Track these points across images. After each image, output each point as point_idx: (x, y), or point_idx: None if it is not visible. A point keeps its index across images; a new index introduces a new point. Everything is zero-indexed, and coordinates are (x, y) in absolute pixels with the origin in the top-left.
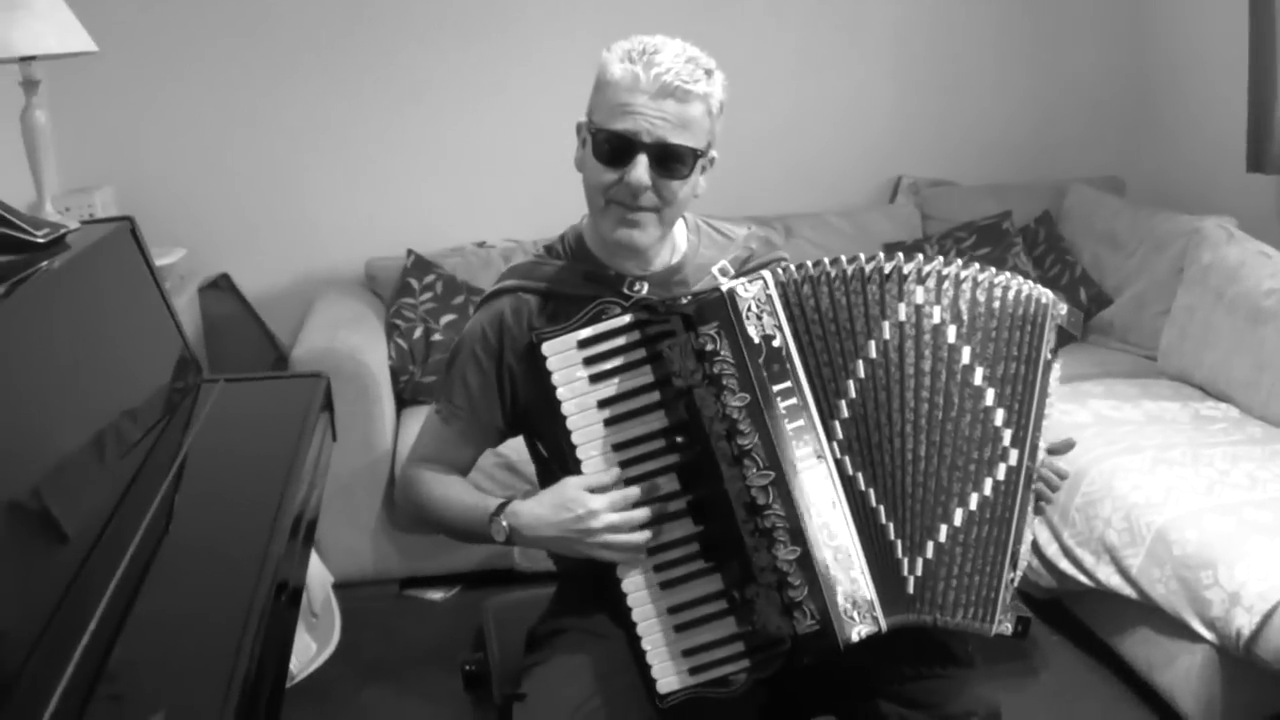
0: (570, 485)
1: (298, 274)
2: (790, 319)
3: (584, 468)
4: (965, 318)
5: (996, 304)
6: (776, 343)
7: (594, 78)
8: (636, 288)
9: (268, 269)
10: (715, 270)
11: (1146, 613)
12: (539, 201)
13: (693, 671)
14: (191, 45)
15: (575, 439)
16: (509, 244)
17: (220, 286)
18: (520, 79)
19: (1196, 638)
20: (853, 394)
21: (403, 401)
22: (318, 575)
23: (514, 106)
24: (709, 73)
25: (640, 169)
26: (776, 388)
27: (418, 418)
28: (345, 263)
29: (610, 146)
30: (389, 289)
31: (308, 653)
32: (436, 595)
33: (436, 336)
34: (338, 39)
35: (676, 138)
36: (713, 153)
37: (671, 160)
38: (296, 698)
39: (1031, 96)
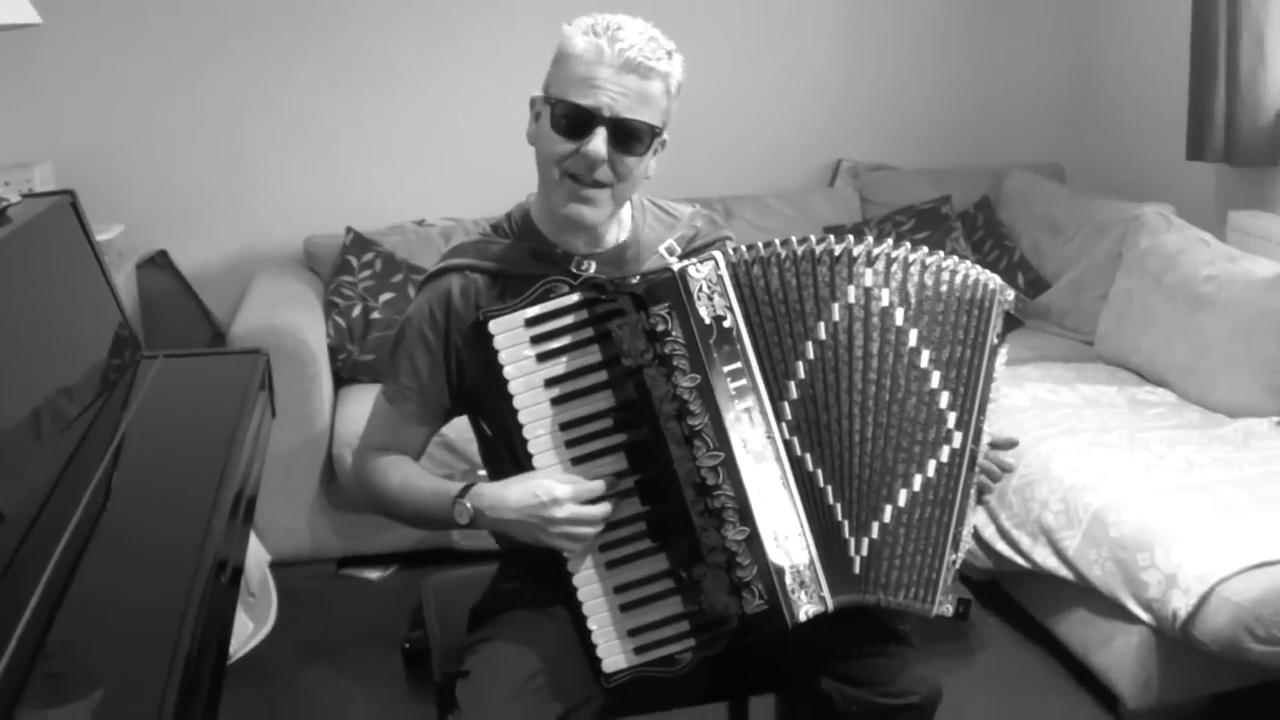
0: (538, 474)
1: (236, 251)
2: (741, 300)
3: (530, 447)
4: (913, 300)
5: (944, 287)
6: (727, 323)
7: (540, 54)
8: (584, 266)
9: (205, 246)
10: (662, 249)
11: (1083, 594)
12: (478, 180)
13: (638, 651)
14: (131, 21)
15: (522, 418)
16: (448, 222)
17: (158, 263)
18: (459, 57)
19: (1133, 619)
20: (802, 375)
21: (341, 380)
22: (254, 554)
23: (453, 84)
24: (670, 53)
25: (598, 141)
26: (727, 368)
27: (356, 396)
28: (283, 240)
29: (569, 119)
30: (327, 267)
31: (244, 632)
32: (374, 574)
33: (375, 315)
34: (277, 16)
35: (635, 114)
36: (665, 134)
37: (629, 136)
38: (234, 677)
39: (972, 81)
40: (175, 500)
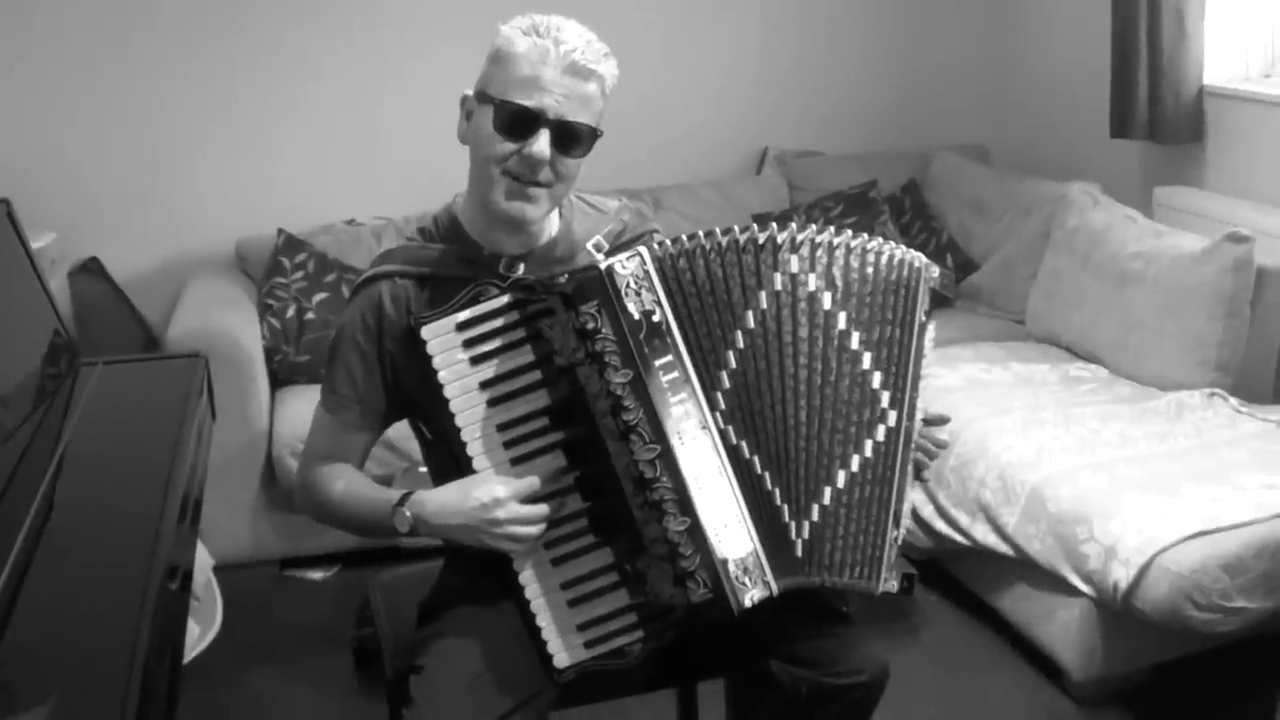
0: (476, 477)
1: (167, 256)
2: (669, 293)
3: (469, 450)
4: (840, 284)
5: (870, 269)
6: (656, 318)
7: (466, 51)
8: (514, 268)
9: (137, 251)
10: (590, 246)
11: (1023, 569)
12: (407, 179)
13: (588, 645)
14: (58, 25)
15: (459, 421)
16: (378, 221)
17: (89, 270)
18: (385, 56)
19: (1074, 592)
20: (733, 364)
21: (277, 381)
22: (198, 557)
23: (380, 83)
24: (606, 54)
25: (542, 142)
26: (658, 362)
27: (293, 397)
28: (215, 243)
29: (513, 120)
30: (260, 269)
31: (191, 636)
32: (317, 575)
33: (309, 315)
34: (205, 19)
35: (577, 116)
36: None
37: (571, 138)
38: (182, 682)
39: (895, 66)
40: (123, 507)
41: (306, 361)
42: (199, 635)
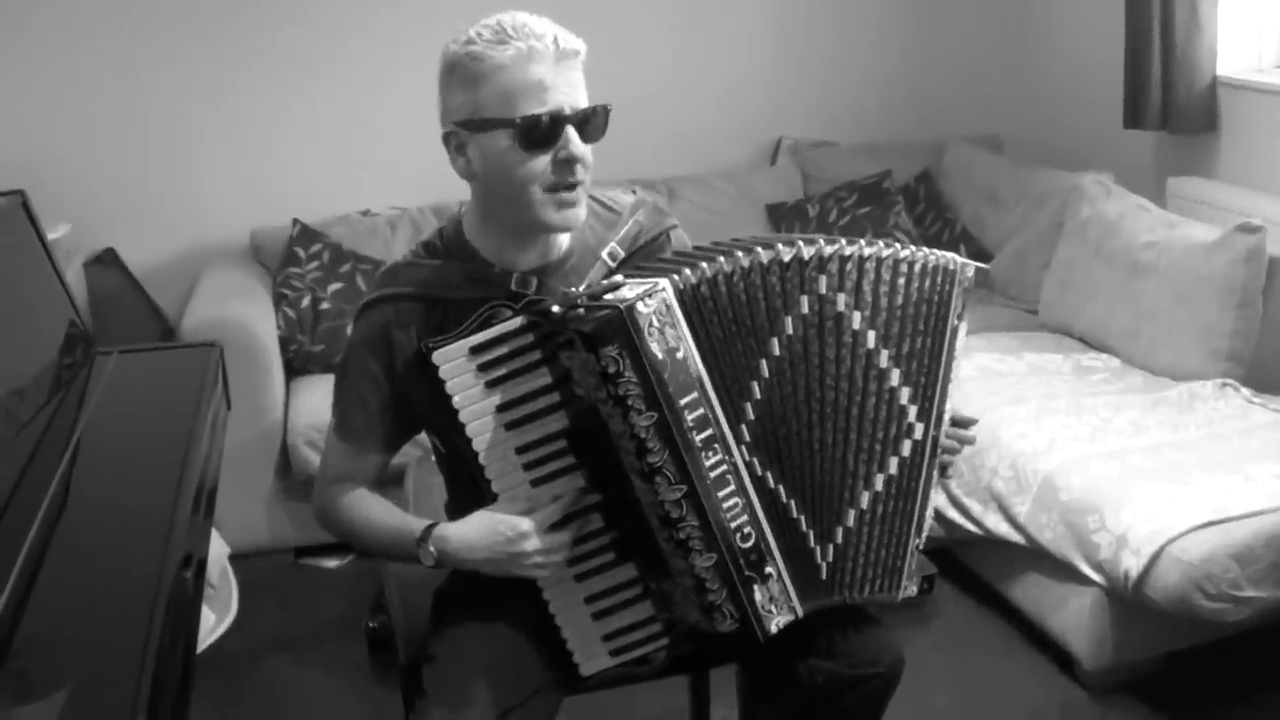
0: (497, 508)
1: (182, 246)
2: (692, 327)
3: (488, 473)
4: (869, 299)
5: (901, 280)
6: (680, 354)
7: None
8: (528, 285)
9: (152, 242)
10: (605, 255)
11: (1035, 558)
12: (422, 169)
13: (614, 654)
14: (72, 16)
15: (476, 445)
16: (393, 211)
17: (105, 261)
18: (397, 46)
19: (1085, 580)
20: (758, 395)
21: (292, 370)
22: (214, 546)
23: (393, 73)
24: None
25: (575, 142)
26: (683, 401)
27: (308, 387)
28: (230, 234)
29: (540, 131)
30: (275, 259)
31: (206, 624)
32: (332, 563)
33: (324, 305)
34: (219, 8)
35: (584, 101)
36: None
37: (591, 124)
38: (197, 670)
39: (909, 56)
40: (137, 496)
41: (321, 351)
42: (215, 623)
